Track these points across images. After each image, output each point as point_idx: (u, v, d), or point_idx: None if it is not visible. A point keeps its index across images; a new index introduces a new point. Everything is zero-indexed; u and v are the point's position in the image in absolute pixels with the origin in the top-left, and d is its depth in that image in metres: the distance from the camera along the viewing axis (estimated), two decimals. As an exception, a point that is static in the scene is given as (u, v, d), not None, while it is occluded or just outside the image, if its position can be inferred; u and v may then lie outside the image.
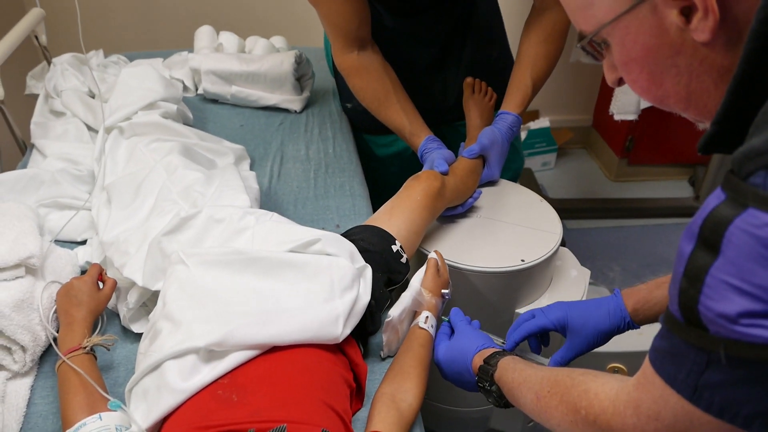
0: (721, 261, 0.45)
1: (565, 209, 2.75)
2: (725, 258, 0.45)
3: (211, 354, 0.80)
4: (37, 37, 1.77)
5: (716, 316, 0.46)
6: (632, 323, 0.92)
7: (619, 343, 1.00)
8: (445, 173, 1.25)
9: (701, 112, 0.58)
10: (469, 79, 1.56)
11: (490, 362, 0.86)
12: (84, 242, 1.24)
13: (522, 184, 2.96)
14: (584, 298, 1.34)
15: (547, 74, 1.40)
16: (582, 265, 1.43)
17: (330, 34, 1.36)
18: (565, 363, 0.94)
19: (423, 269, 1.06)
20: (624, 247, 2.62)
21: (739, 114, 0.50)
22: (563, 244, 1.34)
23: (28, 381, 0.98)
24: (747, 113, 0.49)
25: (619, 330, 0.93)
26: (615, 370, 1.32)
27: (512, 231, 1.32)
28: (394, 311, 1.00)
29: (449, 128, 1.64)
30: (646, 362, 0.57)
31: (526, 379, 0.78)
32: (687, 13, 0.51)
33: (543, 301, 1.32)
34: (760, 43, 0.47)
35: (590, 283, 1.41)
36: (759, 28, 0.47)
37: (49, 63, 1.77)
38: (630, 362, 1.30)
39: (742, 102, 0.50)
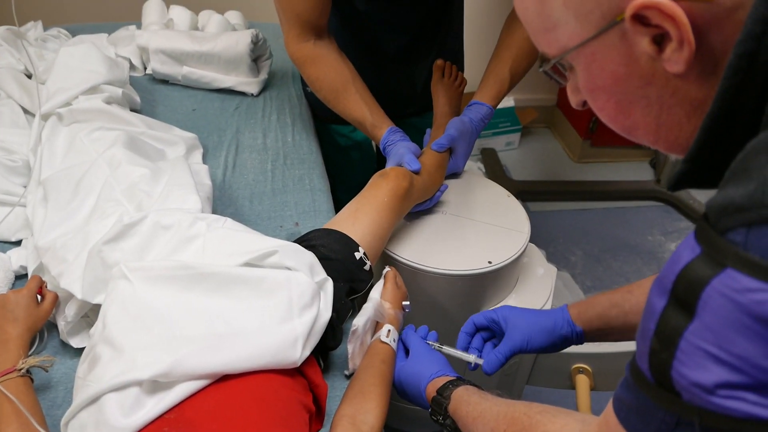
0: (697, 325, 0.41)
1: (528, 192, 2.74)
2: (701, 322, 0.40)
3: (155, 385, 0.72)
4: (-34, 8, 1.62)
5: (691, 385, 0.42)
6: (581, 334, 0.90)
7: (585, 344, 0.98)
8: (417, 172, 1.18)
9: (671, 145, 0.53)
10: (439, 62, 1.48)
11: (444, 394, 0.82)
12: (18, 243, 1.15)
13: (485, 164, 2.94)
14: (551, 297, 1.31)
15: (525, 72, 1.34)
16: (544, 248, 1.40)
17: (286, 22, 1.26)
18: (503, 359, 0.90)
19: (381, 282, 1.01)
20: (585, 230, 2.61)
21: (713, 152, 0.46)
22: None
23: (-47, 404, 0.89)
24: (722, 151, 0.45)
25: (568, 340, 0.90)
26: (580, 370, 1.30)
27: (479, 230, 1.27)
28: (359, 320, 0.94)
29: (416, 120, 1.58)
30: (609, 410, 0.53)
31: (481, 413, 0.75)
32: (659, 41, 0.46)
33: (509, 302, 1.28)
34: (738, 79, 0.42)
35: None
36: (737, 62, 0.42)
37: (-20, 36, 1.62)
38: (595, 363, 1.29)
39: (716, 140, 0.46)
